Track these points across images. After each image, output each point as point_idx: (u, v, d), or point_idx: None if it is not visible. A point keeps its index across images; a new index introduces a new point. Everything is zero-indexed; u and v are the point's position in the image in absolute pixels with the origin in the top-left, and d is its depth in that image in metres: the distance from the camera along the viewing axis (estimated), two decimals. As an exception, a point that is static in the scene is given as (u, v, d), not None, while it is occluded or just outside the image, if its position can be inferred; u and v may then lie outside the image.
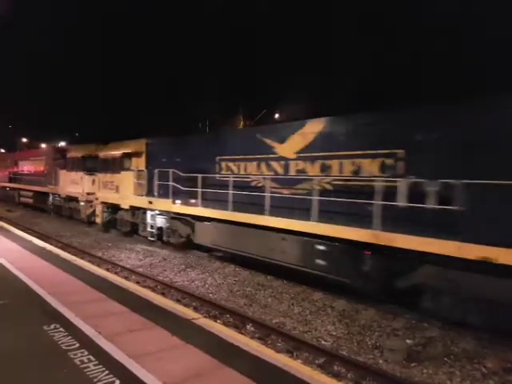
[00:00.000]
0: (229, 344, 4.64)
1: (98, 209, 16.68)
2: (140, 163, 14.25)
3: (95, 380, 3.61)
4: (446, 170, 6.42)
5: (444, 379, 5.21)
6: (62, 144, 37.78)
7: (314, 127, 8.95)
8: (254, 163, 10.25)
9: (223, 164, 11.19)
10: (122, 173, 14.85)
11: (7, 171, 29.76)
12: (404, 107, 7.71)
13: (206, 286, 9.28)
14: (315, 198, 8.25)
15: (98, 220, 16.82)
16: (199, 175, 11.15)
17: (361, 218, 7.42)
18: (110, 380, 3.62)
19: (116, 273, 9.96)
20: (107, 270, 9.94)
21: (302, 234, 8.48)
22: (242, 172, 10.62)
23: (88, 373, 3.73)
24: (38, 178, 23.56)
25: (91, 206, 17.37)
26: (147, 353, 4.24)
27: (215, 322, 6.30)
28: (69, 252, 11.06)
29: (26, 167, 26.28)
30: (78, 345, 4.34)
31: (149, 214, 13.57)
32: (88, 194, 17.41)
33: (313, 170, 8.86)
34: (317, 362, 5.60)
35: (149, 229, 13.64)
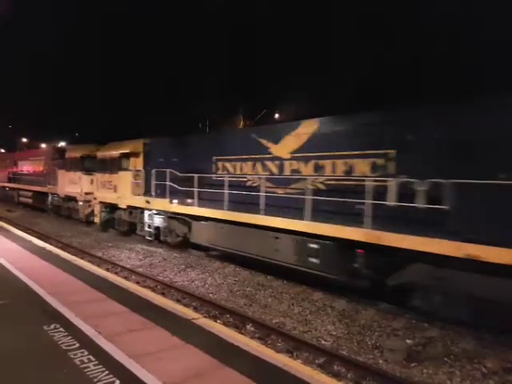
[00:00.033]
0: (229, 344, 4.64)
1: (97, 208, 16.74)
2: (138, 163, 14.34)
3: (95, 380, 3.61)
4: (435, 169, 6.52)
5: (444, 379, 5.21)
6: (62, 144, 37.77)
7: (307, 128, 9.06)
8: (250, 163, 10.36)
9: (220, 164, 11.29)
10: (120, 173, 14.92)
11: (6, 171, 29.81)
12: (394, 108, 7.87)
13: (206, 285, 9.28)
14: (308, 197, 8.37)
15: (97, 220, 16.88)
16: (195, 175, 11.24)
17: (353, 217, 7.53)
18: (110, 380, 3.62)
19: (116, 273, 9.96)
20: (107, 269, 9.94)
21: (295, 232, 8.59)
22: (238, 172, 10.70)
23: (88, 373, 3.73)
24: (37, 178, 23.62)
25: (89, 206, 17.43)
26: (147, 353, 4.24)
27: (215, 321, 6.30)
28: (69, 252, 11.06)
29: (26, 167, 26.34)
30: (77, 345, 4.34)
31: (146, 213, 13.64)
32: (86, 193, 17.47)
33: (307, 169, 8.98)
34: (317, 361, 5.60)
35: (146, 228, 13.71)
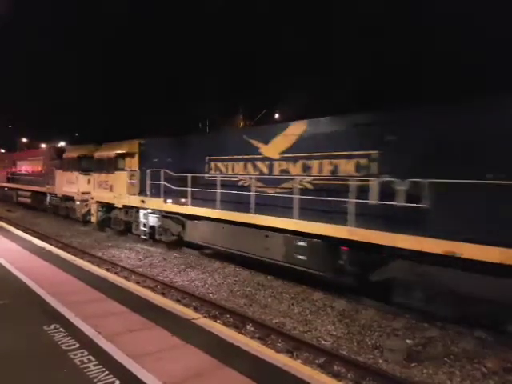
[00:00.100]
0: (229, 344, 4.64)
1: (93, 208, 16.91)
2: (133, 163, 14.58)
3: (95, 380, 3.61)
4: (415, 169, 6.71)
5: (444, 379, 5.21)
6: (62, 144, 37.79)
7: (296, 129, 9.29)
8: (241, 163, 10.60)
9: (212, 164, 11.52)
10: (116, 173, 15.14)
11: (5, 171, 29.88)
12: (377, 110, 8.15)
13: (206, 285, 9.28)
14: (296, 196, 8.59)
15: (93, 219, 17.04)
16: (189, 175, 11.43)
17: (339, 216, 7.75)
18: (110, 380, 3.62)
19: (116, 273, 9.96)
20: (107, 269, 9.94)
21: (284, 231, 8.80)
22: (230, 172, 10.93)
23: (88, 373, 3.73)
24: (36, 178, 23.71)
25: (86, 206, 17.57)
26: (147, 353, 4.24)
27: (215, 321, 6.30)
28: (68, 252, 11.06)
29: (24, 167, 26.45)
30: (77, 345, 4.34)
31: (141, 212, 13.83)
32: (83, 193, 17.62)
33: (295, 169, 9.22)
34: (317, 361, 5.60)
35: (141, 227, 13.89)
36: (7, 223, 16.35)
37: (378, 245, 7.00)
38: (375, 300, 7.81)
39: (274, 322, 7.08)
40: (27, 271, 7.56)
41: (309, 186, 8.79)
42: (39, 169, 23.65)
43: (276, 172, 9.68)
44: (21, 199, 26.59)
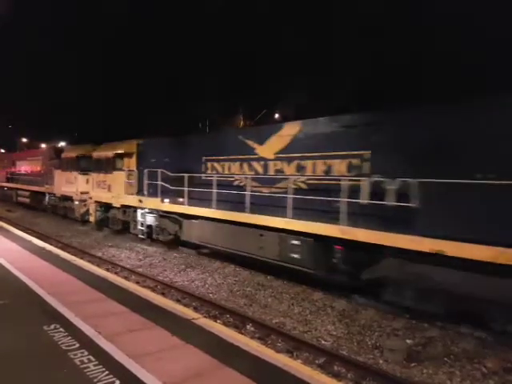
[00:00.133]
0: (229, 344, 4.64)
1: (92, 207, 17.01)
2: (131, 163, 14.72)
3: (95, 380, 3.61)
4: (405, 169, 6.83)
5: (444, 379, 5.21)
6: (62, 144, 37.78)
7: (290, 130, 9.41)
8: (237, 163, 10.71)
9: (209, 164, 11.63)
10: (114, 173, 15.27)
11: (5, 171, 30.02)
12: (368, 111, 8.24)
13: (206, 285, 9.28)
14: (290, 196, 8.71)
15: (92, 218, 17.14)
16: (186, 175, 11.55)
17: (331, 215, 7.87)
18: (110, 380, 3.62)
19: (116, 273, 9.96)
20: (107, 269, 9.95)
21: (279, 230, 8.91)
22: (226, 172, 11.04)
23: (88, 373, 3.73)
24: (35, 178, 23.83)
25: (85, 205, 17.68)
26: (147, 353, 4.23)
27: (215, 322, 6.30)
28: (68, 252, 11.06)
29: (23, 167, 26.58)
30: (77, 345, 4.34)
31: (139, 212, 13.95)
32: (82, 193, 17.73)
33: (290, 169, 9.35)
34: (317, 361, 5.60)
35: (139, 227, 14.00)
36: (7, 223, 16.35)
37: (369, 243, 7.11)
38: (367, 299, 7.89)
39: (274, 322, 7.08)
40: (27, 271, 7.56)
41: (303, 186, 8.90)
42: (38, 169, 23.76)
43: (271, 172, 9.80)
44: (20, 199, 26.71)
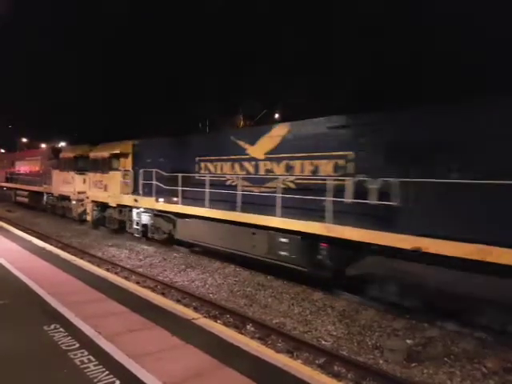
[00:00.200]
0: (229, 344, 4.64)
1: (89, 207, 17.26)
2: (127, 163, 15.07)
3: (95, 380, 3.61)
4: (387, 169, 7.12)
5: (444, 379, 5.21)
6: (62, 144, 37.80)
7: (280, 131, 9.69)
8: (229, 163, 10.98)
9: (202, 164, 11.88)
10: (111, 173, 15.56)
11: (4, 171, 30.22)
12: (353, 113, 8.46)
13: (207, 286, 9.28)
14: (278, 195, 8.95)
15: (89, 218, 17.37)
16: (179, 175, 11.79)
17: (318, 213, 8.13)
18: (110, 380, 3.62)
19: (116, 273, 9.96)
20: (107, 270, 9.94)
21: (268, 228, 9.15)
22: (218, 172, 11.31)
23: (88, 373, 3.73)
24: (34, 178, 24.04)
25: (82, 205, 17.92)
26: (147, 353, 4.23)
27: (215, 322, 6.30)
28: (69, 252, 11.06)
29: (22, 167, 26.79)
30: (78, 345, 4.34)
31: (134, 211, 14.18)
32: (79, 192, 17.95)
33: (279, 169, 9.62)
34: (317, 362, 5.60)
35: (134, 226, 14.20)
36: (7, 223, 16.36)
37: (353, 241, 7.37)
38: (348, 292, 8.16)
39: (274, 322, 7.08)
40: (27, 271, 7.56)
41: (291, 186, 9.15)
42: (37, 169, 23.98)
43: (261, 172, 10.06)
44: (19, 199, 26.98)
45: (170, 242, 13.24)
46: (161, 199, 12.74)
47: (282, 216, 8.82)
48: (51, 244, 12.08)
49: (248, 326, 6.83)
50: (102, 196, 16.07)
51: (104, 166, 15.90)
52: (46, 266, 8.28)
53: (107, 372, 3.76)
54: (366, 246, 7.29)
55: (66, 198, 19.51)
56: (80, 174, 17.98)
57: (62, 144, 38.10)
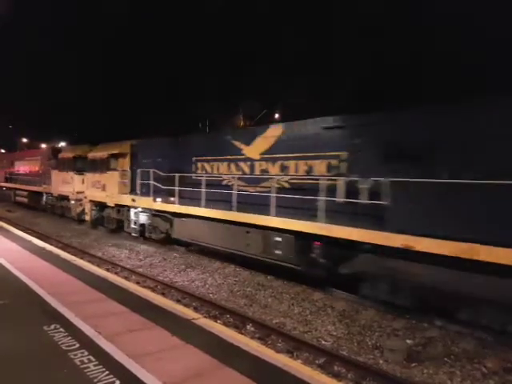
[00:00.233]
0: (229, 344, 4.64)
1: (87, 207, 17.42)
2: (125, 164, 15.20)
3: (95, 380, 3.61)
4: (378, 169, 7.26)
5: (444, 379, 5.21)
6: (63, 144, 37.79)
7: (274, 131, 9.82)
8: (225, 163, 11.11)
9: (199, 164, 12.01)
10: (109, 173, 15.69)
11: (3, 171, 30.37)
12: (346, 114, 8.58)
13: (207, 286, 9.28)
14: (273, 195, 9.13)
15: (87, 218, 17.51)
16: (176, 175, 11.94)
17: (311, 213, 8.28)
18: (110, 380, 3.62)
19: (116, 273, 9.96)
20: (107, 270, 9.94)
21: (263, 227, 9.27)
22: (215, 172, 11.44)
23: (88, 373, 3.73)
24: (33, 178, 24.20)
25: (81, 205, 18.07)
26: (147, 353, 4.23)
27: (215, 322, 6.29)
28: (69, 252, 11.06)
29: (22, 167, 26.95)
30: (78, 345, 4.33)
31: (132, 211, 14.32)
32: (78, 192, 18.11)
33: (274, 169, 9.75)
34: (317, 362, 5.60)
35: (132, 225, 14.32)
36: (7, 223, 16.35)
37: (346, 239, 7.51)
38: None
39: (274, 322, 7.08)
40: (27, 271, 7.56)
41: (286, 185, 9.27)
42: (36, 169, 24.15)
43: (257, 172, 10.19)
44: (18, 198, 27.14)
45: (168, 241, 13.34)
46: (158, 199, 12.87)
47: (276, 215, 8.97)
48: (51, 244, 12.08)
49: (248, 326, 6.83)
50: (100, 196, 16.20)
51: (102, 166, 16.04)
52: (46, 266, 8.28)
53: (107, 372, 3.75)
54: (357, 244, 7.42)
55: (65, 198, 19.66)
56: (79, 174, 18.14)
57: (62, 144, 38.08)
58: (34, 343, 4.41)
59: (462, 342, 6.15)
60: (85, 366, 3.87)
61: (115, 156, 15.40)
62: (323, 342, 6.30)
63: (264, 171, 9.97)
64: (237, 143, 10.72)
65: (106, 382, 3.60)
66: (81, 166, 18.08)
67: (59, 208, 20.74)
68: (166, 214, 12.74)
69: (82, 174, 17.84)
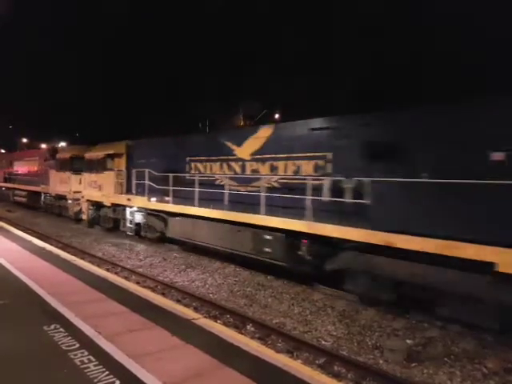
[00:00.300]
0: (229, 344, 4.63)
1: (84, 206, 17.63)
2: (121, 164, 15.44)
3: (95, 380, 3.60)
4: (361, 169, 7.54)
5: (444, 379, 5.21)
6: (63, 144, 37.81)
7: (265, 132, 10.04)
8: (218, 164, 11.33)
9: (193, 164, 12.24)
10: (105, 173, 15.93)
11: (2, 171, 30.60)
12: (331, 116, 8.78)
13: (207, 286, 9.28)
14: (262, 194, 9.36)
15: (84, 217, 17.73)
16: (170, 174, 12.18)
17: (299, 211, 8.49)
18: (110, 380, 3.62)
19: (116, 273, 9.95)
20: (107, 270, 9.94)
21: (254, 226, 9.48)
22: (208, 171, 11.67)
23: (88, 373, 3.73)
24: (32, 178, 24.46)
25: (78, 204, 18.25)
26: (147, 353, 4.23)
27: (215, 322, 6.29)
28: (69, 252, 11.05)
29: (21, 168, 27.19)
30: (78, 345, 4.33)
31: (128, 210, 14.50)
32: (75, 192, 18.31)
33: (264, 169, 9.98)
34: (317, 362, 5.59)
35: (128, 224, 14.49)
36: (7, 223, 16.35)
37: (331, 237, 7.79)
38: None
39: (274, 322, 7.07)
40: (27, 271, 7.56)
41: (275, 185, 9.51)
42: (35, 169, 24.42)
43: (248, 172, 10.41)
44: (17, 198, 27.39)
45: (162, 240, 13.52)
46: (153, 198, 13.10)
47: (266, 214, 9.22)
48: (51, 244, 12.07)
49: (248, 326, 6.83)
50: (96, 195, 16.43)
51: (99, 166, 16.25)
52: (46, 266, 8.28)
53: (107, 372, 3.75)
54: (342, 241, 7.68)
55: (63, 198, 19.89)
56: (76, 174, 18.36)
57: (62, 144, 38.10)
58: (34, 343, 4.40)
59: (462, 341, 6.15)
60: (85, 366, 3.87)
61: (111, 156, 15.61)
62: (323, 342, 6.30)
63: (255, 171, 10.19)
64: (229, 144, 10.93)
65: (106, 382, 3.60)
66: (78, 166, 18.28)
67: (57, 207, 20.99)
68: (160, 214, 12.94)
69: (79, 174, 18.05)
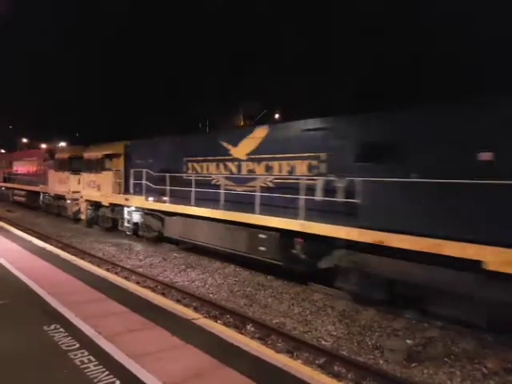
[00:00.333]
0: (229, 344, 4.63)
1: (83, 206, 17.71)
2: (119, 164, 15.56)
3: (95, 380, 3.60)
4: (353, 169, 7.66)
5: (444, 379, 5.21)
6: (63, 144, 37.83)
7: (260, 133, 10.12)
8: (214, 164, 11.46)
9: (190, 164, 12.33)
10: (103, 173, 16.07)
11: (2, 171, 30.76)
12: (324, 117, 8.86)
13: (207, 286, 9.28)
14: (257, 194, 9.51)
15: (83, 217, 17.81)
16: (167, 174, 12.37)
17: (293, 211, 8.61)
18: (110, 380, 3.62)
19: (116, 273, 9.95)
20: (107, 270, 9.93)
21: (249, 225, 9.59)
22: (204, 171, 11.79)
23: (88, 373, 3.73)
24: (31, 178, 24.58)
25: (77, 204, 18.35)
26: (147, 353, 4.23)
27: (215, 322, 6.29)
28: (69, 252, 11.05)
29: (20, 168, 27.33)
30: (78, 345, 4.33)
31: (126, 210, 14.63)
32: (74, 192, 18.39)
33: (259, 169, 10.08)
34: (317, 362, 5.59)
35: (126, 224, 14.63)
36: (7, 223, 16.35)
37: (324, 235, 7.85)
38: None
39: (275, 323, 7.07)
40: (27, 271, 7.56)
41: (271, 185, 9.61)
42: (34, 169, 24.53)
43: (244, 172, 10.51)
44: (16, 198, 27.51)
45: (160, 239, 13.62)
46: (150, 198, 13.19)
47: (261, 213, 9.34)
48: (51, 244, 12.08)
49: (248, 326, 6.83)
50: (95, 195, 16.52)
51: (97, 166, 16.35)
52: (46, 266, 8.28)
53: (107, 372, 3.75)
54: (335, 240, 7.74)
55: (62, 198, 19.97)
56: (74, 174, 18.45)
57: (62, 144, 38.12)
58: (33, 343, 4.41)
59: (462, 341, 6.15)
60: (85, 366, 3.87)
61: (110, 156, 15.73)
62: (323, 342, 6.30)
63: (250, 171, 10.28)
64: (225, 144, 11.02)
65: (106, 382, 3.60)
66: (77, 166, 18.36)
67: (56, 207, 21.07)
68: (157, 213, 13.04)
69: (78, 174, 18.12)
